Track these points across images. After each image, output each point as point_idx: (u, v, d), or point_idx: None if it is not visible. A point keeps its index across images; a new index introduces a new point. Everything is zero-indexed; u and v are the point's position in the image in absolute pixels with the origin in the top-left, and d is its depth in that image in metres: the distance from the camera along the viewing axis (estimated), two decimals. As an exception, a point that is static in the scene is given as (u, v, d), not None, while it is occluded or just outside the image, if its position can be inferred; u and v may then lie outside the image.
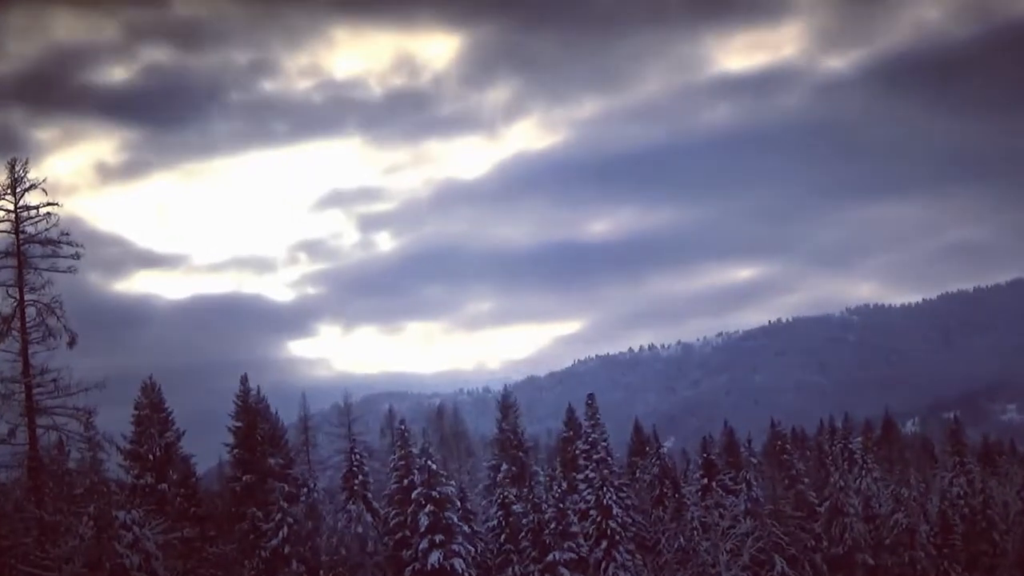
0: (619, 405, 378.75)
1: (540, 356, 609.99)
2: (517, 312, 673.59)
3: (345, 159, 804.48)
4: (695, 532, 65.80)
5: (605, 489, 67.20)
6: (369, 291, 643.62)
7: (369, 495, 61.69)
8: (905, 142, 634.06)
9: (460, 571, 56.68)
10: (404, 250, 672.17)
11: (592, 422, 71.31)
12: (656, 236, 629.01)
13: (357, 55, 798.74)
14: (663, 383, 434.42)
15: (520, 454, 69.94)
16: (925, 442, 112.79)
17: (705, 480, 72.32)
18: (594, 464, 68.38)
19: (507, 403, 74.45)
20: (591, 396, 72.43)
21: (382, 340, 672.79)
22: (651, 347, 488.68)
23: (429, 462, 59.83)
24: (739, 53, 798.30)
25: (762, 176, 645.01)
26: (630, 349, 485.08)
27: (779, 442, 79.50)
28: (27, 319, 39.87)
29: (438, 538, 57.85)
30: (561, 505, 63.18)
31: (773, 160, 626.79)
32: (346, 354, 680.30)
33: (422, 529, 57.92)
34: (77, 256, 39.77)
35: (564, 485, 66.29)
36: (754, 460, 72.99)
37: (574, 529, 63.12)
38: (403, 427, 62.93)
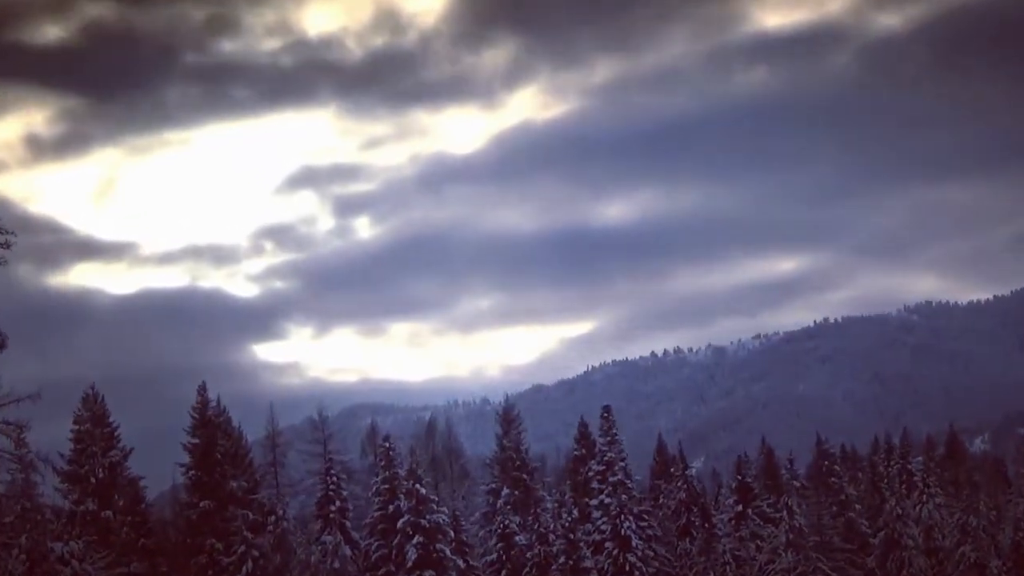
0: (640, 419, 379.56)
1: (547, 362, 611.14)
2: (520, 310, 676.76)
3: (318, 132, 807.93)
4: (728, 567, 66.35)
5: (623, 517, 67.30)
6: (347, 286, 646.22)
7: (348, 524, 61.77)
8: (972, 112, 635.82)
9: (453, 612, 57.45)
10: (387, 238, 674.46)
11: (608, 439, 71.39)
12: (682, 222, 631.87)
13: (332, 10, 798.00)
14: (691, 393, 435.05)
15: (524, 476, 70.52)
16: (996, 462, 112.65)
17: (739, 507, 72.60)
18: (610, 488, 68.52)
19: (509, 416, 75.15)
20: (607, 408, 72.86)
21: (362, 343, 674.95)
22: (677, 351, 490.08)
23: (418, 486, 59.82)
24: (778, 9, 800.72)
25: (805, 152, 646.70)
26: (652, 353, 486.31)
27: (826, 462, 79.52)
28: (-53, 319, 39.51)
29: (428, 574, 57.94)
30: (571, 536, 63.42)
31: (818, 133, 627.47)
32: (320, 359, 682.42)
33: (409, 564, 58.19)
34: (6, 245, 39.30)
35: (575, 513, 66.48)
36: (797, 483, 72.82)
37: (586, 564, 63.28)
38: (387, 444, 62.97)
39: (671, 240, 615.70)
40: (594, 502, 69.17)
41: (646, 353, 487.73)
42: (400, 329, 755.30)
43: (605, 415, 73.90)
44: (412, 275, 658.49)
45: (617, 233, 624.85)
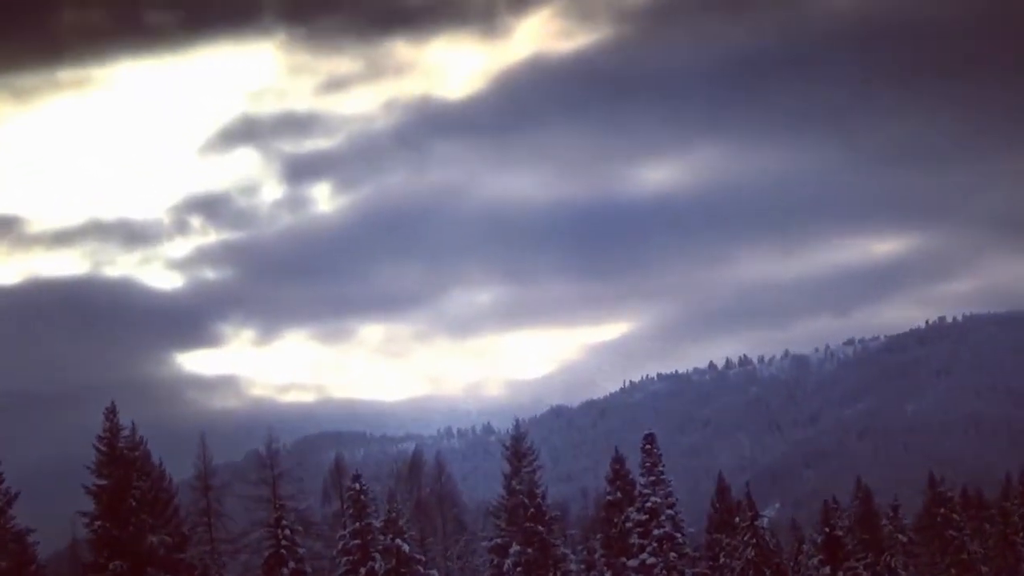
0: (693, 453, 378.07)
1: (568, 376, 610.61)
2: (531, 308, 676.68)
3: (261, 69, 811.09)
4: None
5: (672, 582, 67.57)
6: (301, 276, 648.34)
7: (305, 592, 62.31)
8: None
9: None
10: (354, 212, 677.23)
11: (651, 478, 71.36)
12: (746, 190, 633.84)
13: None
14: (762, 418, 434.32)
15: (540, 529, 70.07)
16: None
17: (827, 568, 72.47)
18: (655, 544, 68.97)
19: (519, 449, 74.61)
20: (650, 438, 73.30)
21: (322, 352, 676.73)
22: (743, 362, 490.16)
23: (399, 541, 60.13)
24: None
25: (915, 100, 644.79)
26: (711, 365, 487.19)
27: (942, 509, 79.64)
28: None
29: (412, 659, 58.37)
30: (604, 608, 64.21)
31: (934, 76, 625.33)
32: (267, 373, 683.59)
33: (387, 645, 58.81)
34: None
35: (608, 576, 67.43)
36: (903, 537, 73.11)
37: (624, 645, 64.37)
38: (358, 487, 63.02)
39: (732, 214, 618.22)
40: (634, 562, 69.53)
41: (701, 364, 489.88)
42: (371, 333, 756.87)
43: (647, 447, 74.02)
44: (387, 261, 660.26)
45: (661, 205, 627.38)
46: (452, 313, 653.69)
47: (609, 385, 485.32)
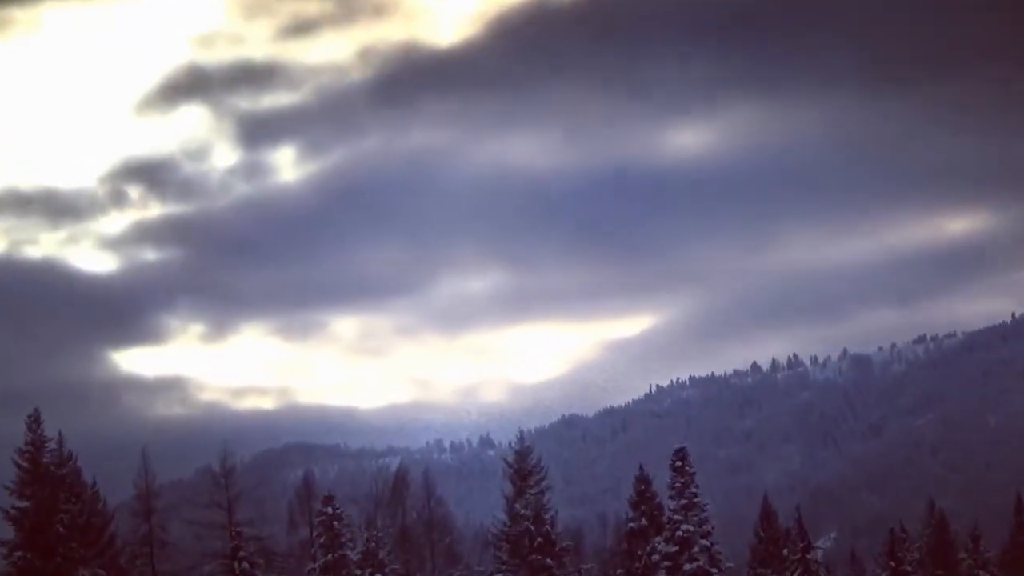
0: (733, 470, 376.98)
1: (582, 379, 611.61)
2: (536, 298, 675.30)
3: (211, 11, 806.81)
4: None
5: (707, 625, 67.81)
6: (260, 258, 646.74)
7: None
8: None
9: None
10: (324, 182, 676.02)
11: (683, 502, 70.99)
12: (791, 158, 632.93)
13: None
14: (816, 429, 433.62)
15: (548, 561, 70.46)
16: None
17: (893, 610, 72.67)
18: (686, 579, 68.68)
19: (524, 466, 74.69)
20: (680, 453, 73.27)
21: (286, 349, 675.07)
22: (792, 363, 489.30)
23: (378, 576, 59.86)
24: None
25: (1000, 40, 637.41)
26: (754, 367, 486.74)
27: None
28: None
29: None
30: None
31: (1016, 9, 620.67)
32: (221, 374, 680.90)
33: None
34: None
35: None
36: (984, 574, 72.64)
37: None
38: (331, 511, 62.86)
39: (778, 186, 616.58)
40: (661, 603, 69.39)
41: (742, 366, 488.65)
42: (345, 327, 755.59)
43: (678, 464, 73.82)
44: (364, 242, 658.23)
45: (689, 175, 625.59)
46: (441, 304, 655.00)
47: (631, 390, 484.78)
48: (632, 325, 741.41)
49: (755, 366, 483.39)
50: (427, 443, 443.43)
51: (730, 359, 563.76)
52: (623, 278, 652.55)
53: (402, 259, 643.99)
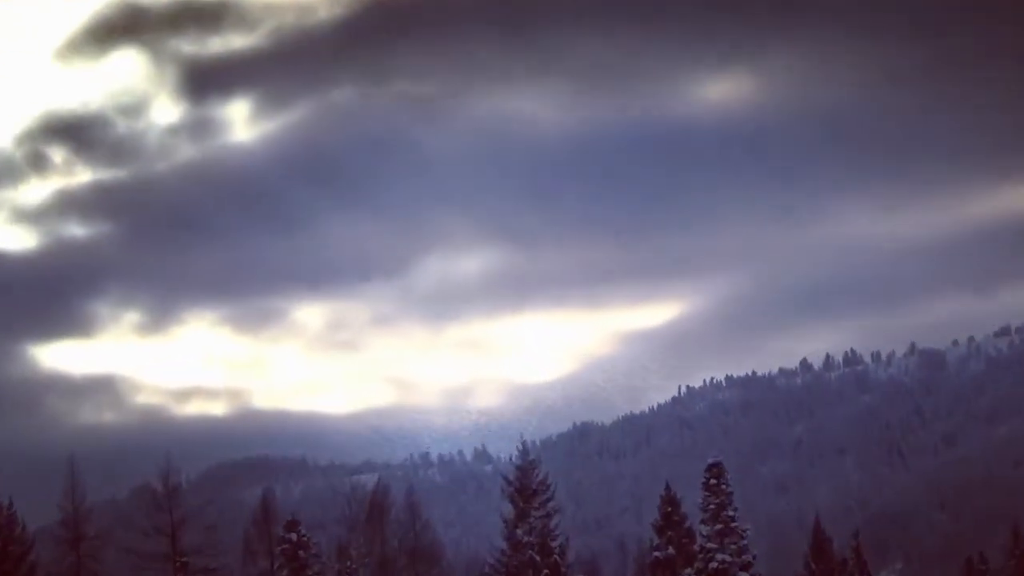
0: (779, 488, 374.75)
1: (596, 379, 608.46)
2: (539, 281, 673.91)
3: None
4: None
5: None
6: (208, 233, 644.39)
7: None
8: None
9: None
10: (284, 142, 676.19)
11: (718, 526, 70.61)
12: (844, 116, 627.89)
13: None
14: (877, 440, 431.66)
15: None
16: None
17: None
18: (724, 619, 68.58)
19: (527, 485, 75.08)
20: (715, 469, 72.50)
21: (240, 344, 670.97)
22: (850, 359, 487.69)
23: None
24: None
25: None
26: (803, 364, 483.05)
27: None
28: None
29: None
30: None
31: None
32: (160, 372, 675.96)
33: None
34: None
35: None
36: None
37: None
38: (295, 537, 61.70)
39: (827, 148, 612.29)
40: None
41: (789, 363, 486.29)
42: (310, 316, 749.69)
43: (712, 482, 73.89)
44: (331, 214, 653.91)
45: (723, 133, 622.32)
46: (426, 289, 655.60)
47: (654, 393, 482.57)
48: (654, 314, 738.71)
49: (805, 364, 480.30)
50: (410, 456, 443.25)
51: (774, 355, 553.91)
52: (643, 258, 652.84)
53: (378, 236, 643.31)
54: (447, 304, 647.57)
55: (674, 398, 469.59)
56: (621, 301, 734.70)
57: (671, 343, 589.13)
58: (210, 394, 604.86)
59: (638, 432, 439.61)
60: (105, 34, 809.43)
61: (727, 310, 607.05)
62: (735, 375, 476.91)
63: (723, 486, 73.18)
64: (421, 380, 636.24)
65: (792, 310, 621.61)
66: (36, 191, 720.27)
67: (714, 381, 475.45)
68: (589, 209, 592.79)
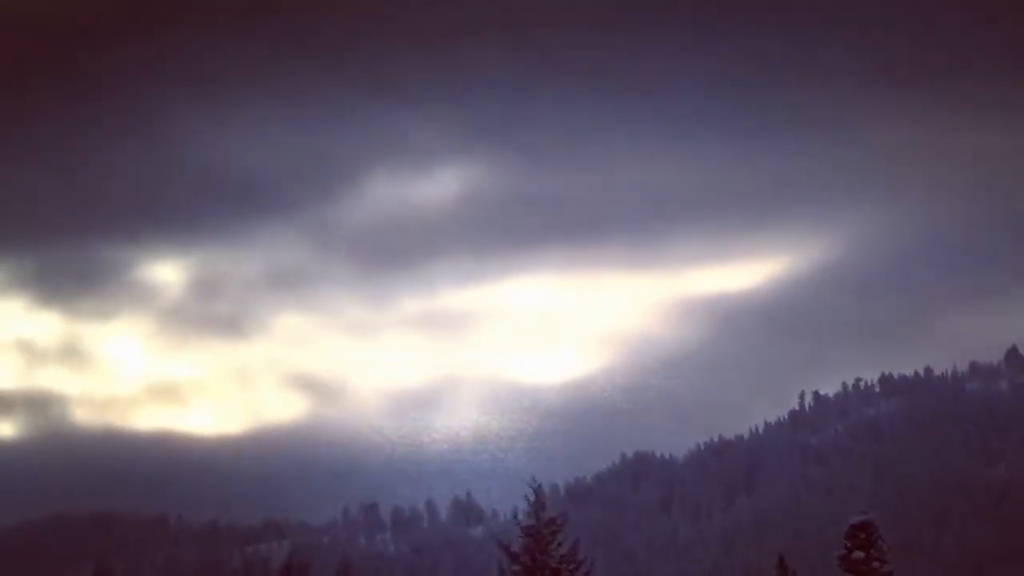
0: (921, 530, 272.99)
1: (650, 380, 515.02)
2: (548, 217, 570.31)
3: None
4: None
5: None
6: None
7: None
8: None
9: None
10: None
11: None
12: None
13: None
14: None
15: None
16: None
17: None
18: None
19: (545, 557, 58.14)
20: (865, 527, 61.69)
21: (49, 325, 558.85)
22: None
23: None
24: None
25: None
26: (1013, 352, 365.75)
27: None
28: None
29: None
30: None
31: None
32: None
33: None
34: None
35: None
36: None
37: None
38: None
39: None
40: None
41: (985, 355, 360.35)
42: (161, 276, 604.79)
43: (857, 553, 60.86)
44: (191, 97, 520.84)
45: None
46: (363, 228, 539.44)
47: (753, 403, 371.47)
48: (744, 274, 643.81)
49: (1014, 353, 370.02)
50: (344, 511, 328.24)
51: (958, 344, 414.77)
52: (732, 182, 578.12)
53: (281, 136, 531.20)
54: (396, 256, 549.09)
55: (791, 411, 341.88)
56: (692, 259, 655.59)
57: (775, 318, 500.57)
58: (130, 410, 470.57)
59: (737, 467, 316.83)
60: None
61: (863, 269, 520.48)
62: (894, 373, 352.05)
63: (874, 553, 57.64)
64: (354, 381, 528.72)
65: (992, 272, 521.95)
66: None
67: (862, 385, 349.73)
68: (623, 102, 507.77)
